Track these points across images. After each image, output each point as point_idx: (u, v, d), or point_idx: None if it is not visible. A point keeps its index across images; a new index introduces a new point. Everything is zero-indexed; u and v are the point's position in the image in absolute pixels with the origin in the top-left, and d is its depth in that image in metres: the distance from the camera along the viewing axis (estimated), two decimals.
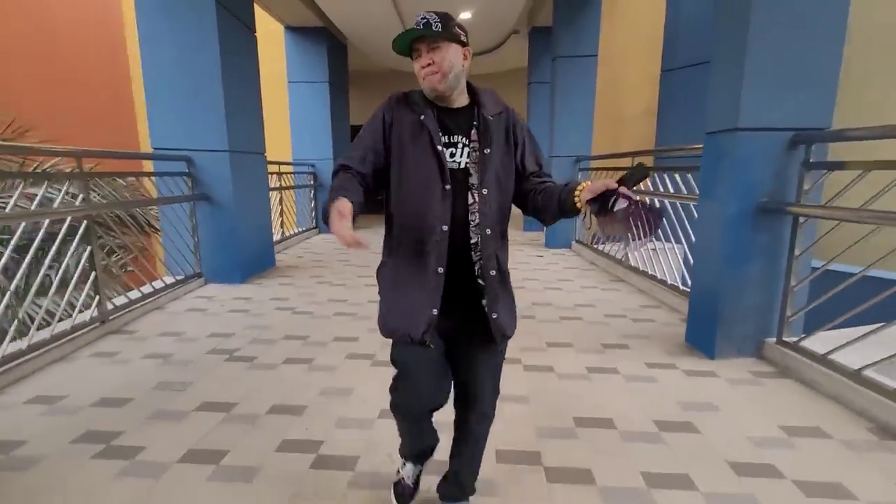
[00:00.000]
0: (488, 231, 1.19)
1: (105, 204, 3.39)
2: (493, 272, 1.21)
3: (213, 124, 3.95)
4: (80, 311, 2.87)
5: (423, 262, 1.19)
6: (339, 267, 5.02)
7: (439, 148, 1.17)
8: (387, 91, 1.29)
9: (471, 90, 1.26)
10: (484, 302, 1.21)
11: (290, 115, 7.56)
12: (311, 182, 7.83)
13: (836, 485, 1.57)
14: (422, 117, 1.20)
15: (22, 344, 2.43)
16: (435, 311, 1.18)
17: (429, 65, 1.16)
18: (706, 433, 1.88)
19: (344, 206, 1.04)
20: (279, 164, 6.51)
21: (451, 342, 1.27)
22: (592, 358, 2.60)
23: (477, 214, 1.19)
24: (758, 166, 2.42)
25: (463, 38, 1.20)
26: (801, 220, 2.39)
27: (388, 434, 1.72)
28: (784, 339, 2.49)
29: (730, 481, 1.59)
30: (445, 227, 1.17)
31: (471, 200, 1.19)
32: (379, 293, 1.30)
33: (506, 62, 9.74)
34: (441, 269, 1.18)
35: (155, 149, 3.97)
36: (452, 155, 1.20)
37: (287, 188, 6.94)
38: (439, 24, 1.15)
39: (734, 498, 1.51)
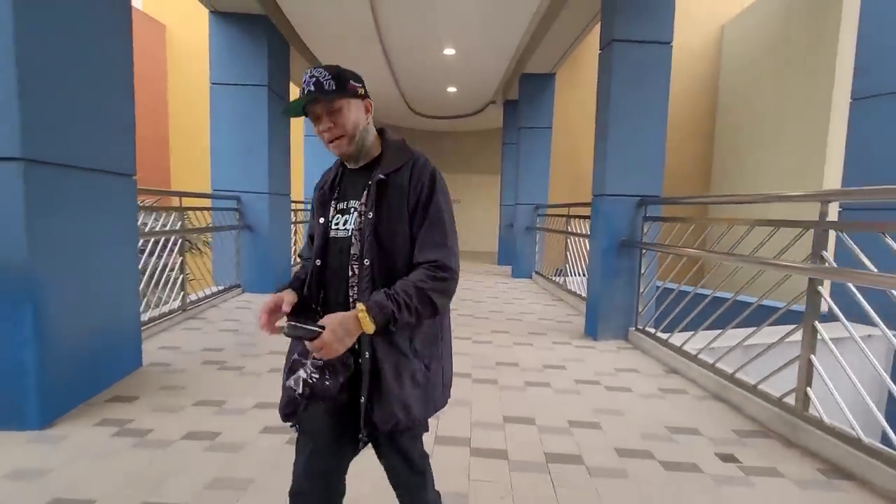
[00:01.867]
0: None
1: (194, 229, 4.75)
2: (366, 353, 1.03)
3: (258, 171, 5.44)
4: (169, 302, 4.18)
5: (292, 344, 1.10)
6: None
7: (321, 220, 1.12)
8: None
9: (383, 141, 1.15)
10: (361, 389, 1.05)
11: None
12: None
13: (626, 388, 2.93)
14: (323, 188, 1.16)
15: (144, 316, 3.73)
16: (300, 391, 1.02)
17: (330, 128, 1.05)
18: (570, 371, 3.24)
19: (277, 299, 1.04)
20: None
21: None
22: (519, 339, 3.98)
23: (356, 289, 1.06)
24: (618, 218, 3.91)
25: (361, 90, 1.09)
26: (643, 251, 3.88)
27: None
28: (638, 327, 3.90)
29: (574, 390, 2.94)
30: (318, 307, 1.11)
31: (350, 273, 1.07)
32: None
33: (486, 123, 11.53)
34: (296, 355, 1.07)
35: (215, 190, 5.43)
36: (345, 222, 1.10)
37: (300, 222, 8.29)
38: (332, 83, 1.03)
39: (576, 398, 2.86)
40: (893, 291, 1.90)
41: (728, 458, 2.11)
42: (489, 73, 8.17)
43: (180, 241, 4.28)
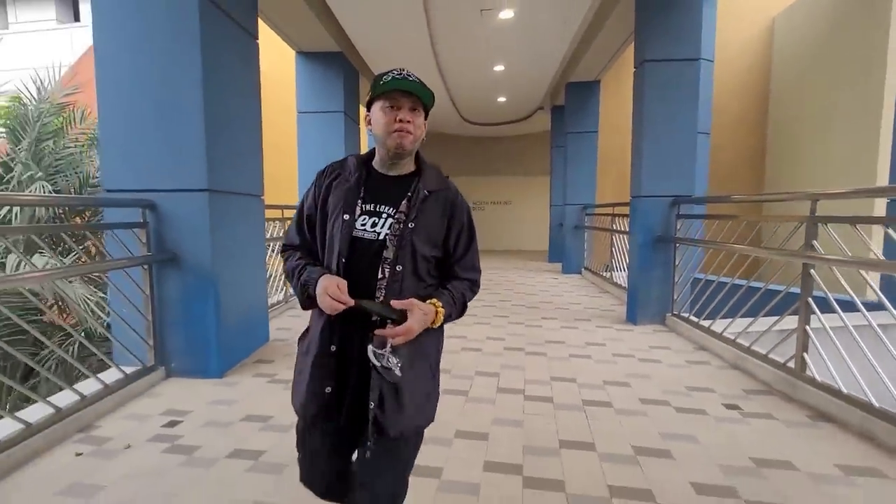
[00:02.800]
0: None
1: None
2: (396, 359, 1.06)
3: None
4: (274, 295, 5.15)
5: (322, 338, 1.13)
6: None
7: (346, 217, 1.11)
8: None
9: (417, 161, 1.20)
10: (370, 390, 1.08)
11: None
12: None
13: (657, 360, 3.48)
14: (346, 184, 1.16)
15: None
16: (328, 390, 1.11)
17: (409, 122, 1.10)
18: (609, 347, 3.82)
19: (330, 283, 1.04)
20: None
21: (355, 433, 1.14)
22: (566, 323, 4.59)
23: (384, 291, 1.09)
24: (654, 216, 4.42)
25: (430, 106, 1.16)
26: (677, 245, 4.36)
27: None
28: (674, 312, 4.39)
29: (611, 360, 3.53)
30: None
31: (380, 276, 1.10)
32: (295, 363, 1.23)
33: (535, 127, 12.05)
34: (333, 348, 1.11)
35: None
36: (374, 225, 1.12)
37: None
38: (426, 90, 1.11)
39: (612, 367, 3.45)
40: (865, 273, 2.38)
41: (732, 407, 2.65)
42: (536, 84, 8.74)
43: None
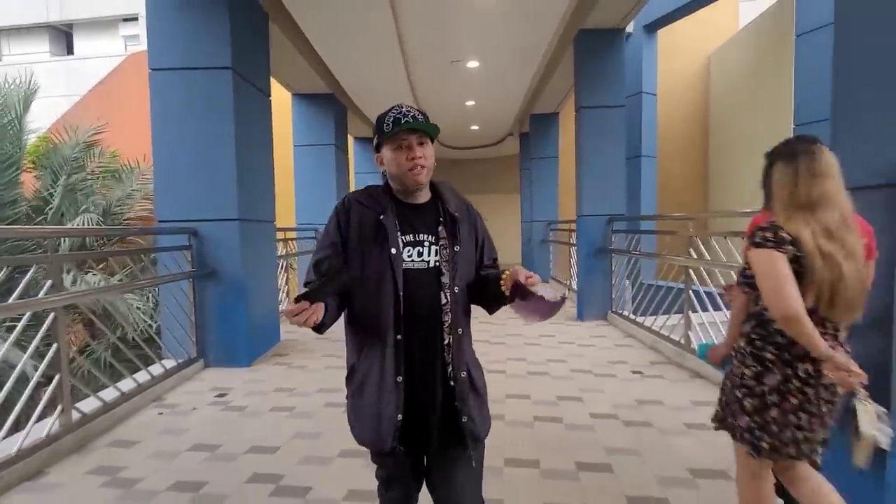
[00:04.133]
0: (460, 331, 1.18)
1: (292, 253, 6.58)
2: (464, 373, 1.18)
3: (329, 206, 7.23)
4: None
5: (385, 370, 1.15)
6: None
7: (393, 251, 1.13)
8: None
9: (430, 184, 1.24)
10: (456, 405, 1.17)
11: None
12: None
13: (592, 345, 4.44)
14: (381, 217, 1.16)
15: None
16: (399, 417, 1.14)
17: (422, 157, 1.14)
18: (557, 338, 4.76)
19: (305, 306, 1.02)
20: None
21: (425, 454, 1.24)
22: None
23: (450, 315, 1.17)
24: (594, 231, 5.43)
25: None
26: (612, 255, 5.37)
27: None
28: (613, 310, 5.37)
29: (555, 346, 4.47)
30: (399, 336, 1.14)
31: (443, 300, 1.16)
32: (346, 397, 1.26)
33: (507, 150, 13.19)
34: (400, 378, 1.14)
35: (299, 224, 7.27)
36: (420, 254, 1.17)
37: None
38: (426, 121, 1.16)
39: (556, 351, 4.40)
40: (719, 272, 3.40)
41: (636, 372, 3.62)
42: (504, 115, 9.85)
43: (284, 262, 6.11)
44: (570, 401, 3.06)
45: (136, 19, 15.17)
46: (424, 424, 1.18)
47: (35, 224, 5.58)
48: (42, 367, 2.47)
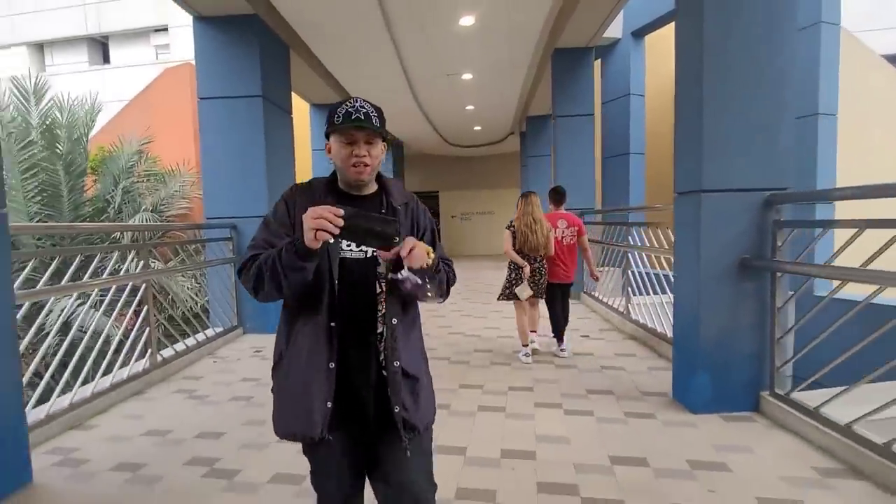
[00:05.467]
0: (394, 321, 1.19)
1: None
2: (396, 363, 1.18)
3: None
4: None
5: (316, 357, 1.15)
6: None
7: (330, 240, 1.07)
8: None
9: (378, 179, 1.27)
10: (389, 393, 1.18)
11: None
12: None
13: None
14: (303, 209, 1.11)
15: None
16: (329, 404, 1.15)
17: (364, 156, 1.16)
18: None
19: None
20: None
21: (362, 445, 1.23)
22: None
23: (384, 304, 1.19)
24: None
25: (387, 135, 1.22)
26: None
27: None
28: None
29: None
30: (333, 324, 1.16)
31: (378, 290, 1.19)
32: (272, 391, 1.26)
33: (508, 148, 14.01)
34: (332, 365, 1.15)
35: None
36: (359, 245, 1.17)
37: None
38: (377, 120, 1.16)
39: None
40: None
41: (584, 336, 4.50)
42: (502, 117, 10.69)
43: None
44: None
45: (165, 30, 16.36)
46: (358, 413, 1.19)
47: (99, 221, 6.74)
48: (138, 323, 3.52)
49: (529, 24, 5.63)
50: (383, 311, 1.19)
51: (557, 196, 4.27)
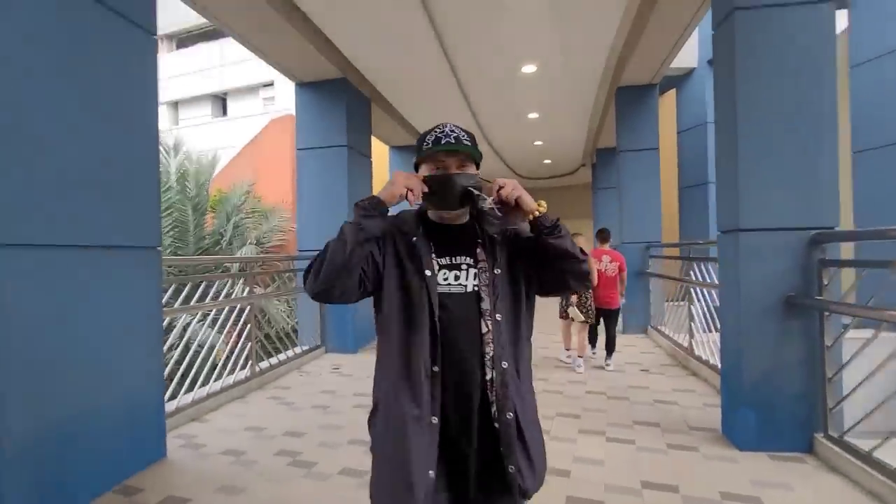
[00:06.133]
0: (504, 364, 1.06)
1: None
2: (510, 414, 1.03)
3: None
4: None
5: (416, 410, 1.02)
6: None
7: (427, 273, 1.04)
8: None
9: None
10: (501, 450, 1.03)
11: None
12: None
13: (616, 350, 5.32)
14: (413, 239, 1.10)
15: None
16: (432, 474, 1.00)
17: None
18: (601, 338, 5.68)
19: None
20: None
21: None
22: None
23: (491, 345, 1.06)
24: (633, 256, 6.25)
25: (479, 158, 1.14)
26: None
27: None
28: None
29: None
30: (437, 368, 1.03)
31: (484, 329, 1.06)
32: (371, 449, 1.14)
33: (580, 179, 14.03)
34: (435, 420, 1.02)
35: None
36: (457, 278, 1.09)
37: None
38: (468, 140, 1.10)
39: None
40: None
41: (644, 370, 4.50)
42: (572, 151, 10.87)
43: None
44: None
45: (272, 84, 18.82)
46: (461, 473, 1.05)
47: (214, 252, 8.07)
48: (242, 338, 4.24)
49: (589, 67, 5.92)
50: (492, 353, 1.07)
51: (603, 235, 5.15)
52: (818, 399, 2.60)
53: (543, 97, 6.98)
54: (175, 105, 21.12)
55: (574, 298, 4.54)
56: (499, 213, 1.11)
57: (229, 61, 19.28)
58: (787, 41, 2.63)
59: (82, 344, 2.27)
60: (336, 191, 5.57)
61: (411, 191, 1.08)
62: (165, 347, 3.53)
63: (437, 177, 1.11)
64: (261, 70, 18.74)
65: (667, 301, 6.01)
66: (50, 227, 2.12)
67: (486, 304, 1.09)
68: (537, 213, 1.11)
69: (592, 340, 5.09)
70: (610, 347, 4.68)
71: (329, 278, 1.05)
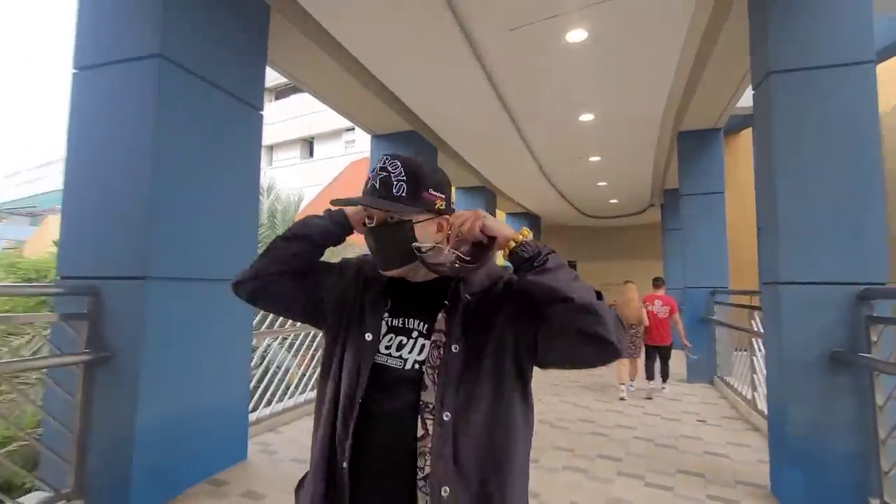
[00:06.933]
0: (444, 492, 0.72)
1: None
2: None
3: None
4: None
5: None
6: None
7: (368, 337, 0.80)
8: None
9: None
10: None
11: None
12: None
13: (675, 399, 5.17)
14: (371, 286, 0.87)
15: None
16: None
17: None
18: (638, 383, 5.55)
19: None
20: None
21: None
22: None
23: (428, 457, 0.73)
24: (698, 302, 6.07)
25: (440, 202, 0.84)
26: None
27: None
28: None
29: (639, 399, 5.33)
30: (345, 465, 0.76)
31: (420, 431, 0.75)
32: None
33: (649, 218, 13.67)
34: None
35: None
36: (400, 347, 0.81)
37: None
38: (404, 186, 0.81)
39: None
40: None
41: (701, 420, 4.37)
42: (639, 191, 10.76)
43: None
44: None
45: (353, 129, 20.62)
46: None
47: None
48: (314, 362, 4.76)
49: (648, 115, 6.05)
50: (427, 470, 0.74)
51: (656, 282, 6.09)
52: (872, 461, 2.46)
53: (603, 142, 7.16)
54: (271, 148, 23.73)
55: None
56: (467, 259, 0.81)
57: (318, 108, 21.48)
58: (825, 101, 2.69)
59: (196, 357, 2.84)
60: None
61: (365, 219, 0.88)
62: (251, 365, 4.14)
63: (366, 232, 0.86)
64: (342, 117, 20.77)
65: (735, 350, 5.75)
66: (186, 265, 2.75)
67: (427, 396, 0.76)
68: (513, 242, 0.79)
69: (650, 374, 5.63)
70: (665, 375, 5.70)
71: (261, 268, 0.90)
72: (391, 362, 0.82)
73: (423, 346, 0.83)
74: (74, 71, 2.73)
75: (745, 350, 5.17)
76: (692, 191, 6.29)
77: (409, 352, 0.83)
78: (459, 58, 4.44)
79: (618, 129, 6.50)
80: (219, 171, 3.02)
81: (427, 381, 0.78)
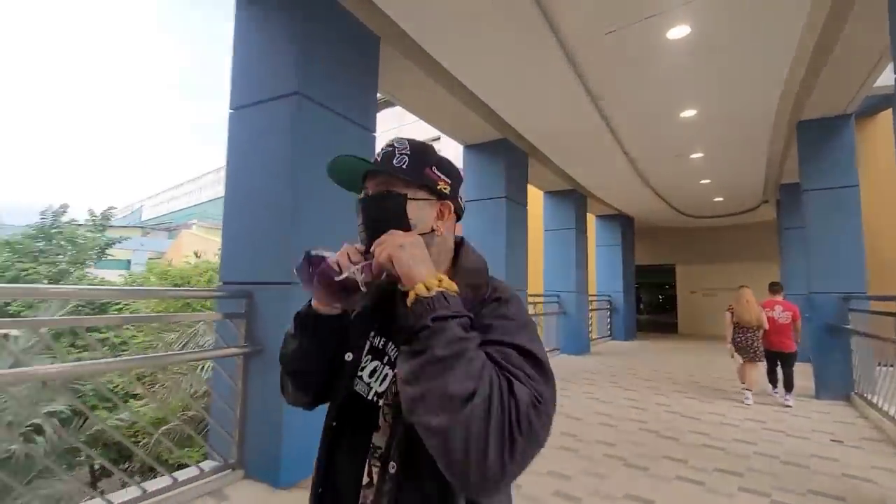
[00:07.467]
0: None
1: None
2: None
3: (569, 274, 9.13)
4: None
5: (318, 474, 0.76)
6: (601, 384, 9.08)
7: (348, 357, 0.75)
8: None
9: (455, 263, 0.78)
10: None
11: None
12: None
13: (805, 416, 4.68)
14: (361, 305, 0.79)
15: None
16: None
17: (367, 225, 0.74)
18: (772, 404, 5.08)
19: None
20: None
21: None
22: None
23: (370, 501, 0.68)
24: (827, 309, 5.44)
25: (443, 185, 0.77)
26: (851, 336, 5.21)
27: None
28: (856, 392, 4.19)
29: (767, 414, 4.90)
30: (321, 489, 0.74)
31: (365, 479, 0.69)
32: None
33: (761, 216, 12.40)
34: (320, 489, 0.74)
35: (546, 291, 9.38)
36: (373, 373, 0.73)
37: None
38: (406, 159, 0.75)
39: None
40: None
41: (836, 440, 3.94)
42: (748, 188, 9.85)
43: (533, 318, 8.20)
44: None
45: (439, 139, 21.34)
46: None
47: None
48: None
49: (759, 107, 5.59)
50: None
51: (773, 287, 5.79)
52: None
53: (707, 138, 6.73)
54: None
55: (729, 347, 5.43)
56: (360, 286, 0.74)
57: (408, 121, 22.62)
58: None
59: None
60: (495, 239, 6.27)
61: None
62: None
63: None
64: (430, 126, 21.59)
65: (878, 364, 5.07)
66: (285, 271, 3.00)
67: (379, 437, 0.69)
68: (415, 294, 0.64)
69: (773, 381, 5.50)
70: (788, 386, 5.23)
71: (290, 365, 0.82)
72: (360, 388, 0.74)
73: (385, 376, 0.72)
74: (231, 111, 3.28)
75: (892, 365, 4.59)
76: (818, 185, 5.67)
77: (377, 381, 0.72)
78: (555, 68, 4.51)
79: (724, 123, 6.09)
80: (337, 191, 3.39)
81: (381, 420, 0.68)
